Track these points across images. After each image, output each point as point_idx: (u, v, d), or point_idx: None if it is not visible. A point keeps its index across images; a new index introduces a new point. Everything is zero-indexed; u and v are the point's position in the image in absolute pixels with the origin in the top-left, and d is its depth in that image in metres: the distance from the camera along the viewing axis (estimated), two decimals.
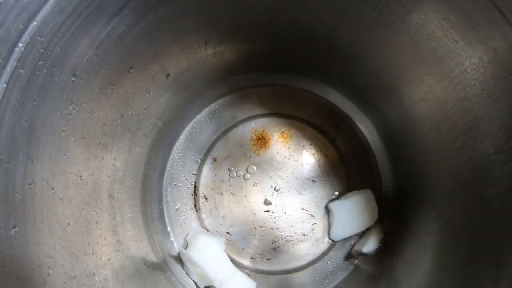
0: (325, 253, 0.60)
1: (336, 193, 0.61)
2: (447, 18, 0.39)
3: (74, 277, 0.36)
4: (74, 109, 0.39)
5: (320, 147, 0.62)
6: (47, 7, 0.33)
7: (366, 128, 0.62)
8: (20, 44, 0.32)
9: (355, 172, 0.62)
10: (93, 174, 0.43)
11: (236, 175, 0.62)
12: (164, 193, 0.60)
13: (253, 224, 0.60)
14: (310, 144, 0.62)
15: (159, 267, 0.54)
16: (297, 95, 0.63)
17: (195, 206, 0.61)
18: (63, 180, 0.38)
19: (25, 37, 0.32)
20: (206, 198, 0.61)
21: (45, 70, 0.34)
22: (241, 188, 0.61)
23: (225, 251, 0.58)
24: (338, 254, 0.60)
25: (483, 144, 0.40)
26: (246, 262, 0.59)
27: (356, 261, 0.59)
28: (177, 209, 0.61)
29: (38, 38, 0.33)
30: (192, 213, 0.61)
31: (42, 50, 0.33)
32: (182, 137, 0.62)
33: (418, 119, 0.49)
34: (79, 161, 0.40)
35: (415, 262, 0.49)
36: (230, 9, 0.47)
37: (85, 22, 0.36)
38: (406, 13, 0.41)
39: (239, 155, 0.62)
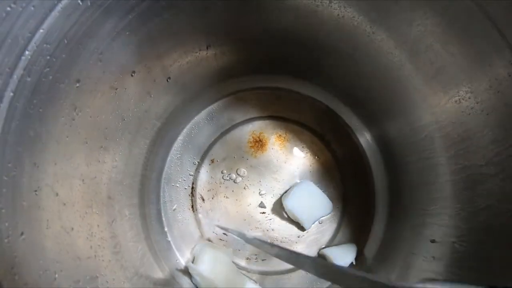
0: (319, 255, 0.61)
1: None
2: (445, 32, 0.40)
3: (79, 280, 0.36)
4: (77, 114, 0.39)
5: (315, 151, 0.63)
6: (55, 13, 0.33)
7: (361, 134, 0.64)
8: (27, 52, 0.32)
9: (349, 176, 0.63)
10: (95, 177, 0.43)
11: (233, 177, 0.62)
12: (161, 194, 0.61)
13: (249, 225, 0.61)
14: (306, 148, 0.63)
15: (159, 267, 0.55)
16: (296, 99, 0.64)
17: (192, 207, 0.62)
18: (67, 185, 0.38)
19: (32, 44, 0.32)
20: (203, 199, 0.62)
21: (51, 77, 0.34)
22: (238, 189, 0.62)
23: (233, 263, 0.58)
24: None
25: (474, 156, 0.42)
26: (241, 262, 0.60)
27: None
28: (174, 210, 0.61)
29: (45, 45, 0.33)
30: (189, 214, 0.62)
31: (48, 57, 0.33)
32: (180, 138, 0.63)
33: (413, 128, 0.50)
34: (82, 165, 0.41)
35: (407, 269, 0.51)
36: (232, 14, 0.48)
37: (91, 27, 0.36)
38: (406, 25, 0.42)
39: (237, 157, 0.63)
